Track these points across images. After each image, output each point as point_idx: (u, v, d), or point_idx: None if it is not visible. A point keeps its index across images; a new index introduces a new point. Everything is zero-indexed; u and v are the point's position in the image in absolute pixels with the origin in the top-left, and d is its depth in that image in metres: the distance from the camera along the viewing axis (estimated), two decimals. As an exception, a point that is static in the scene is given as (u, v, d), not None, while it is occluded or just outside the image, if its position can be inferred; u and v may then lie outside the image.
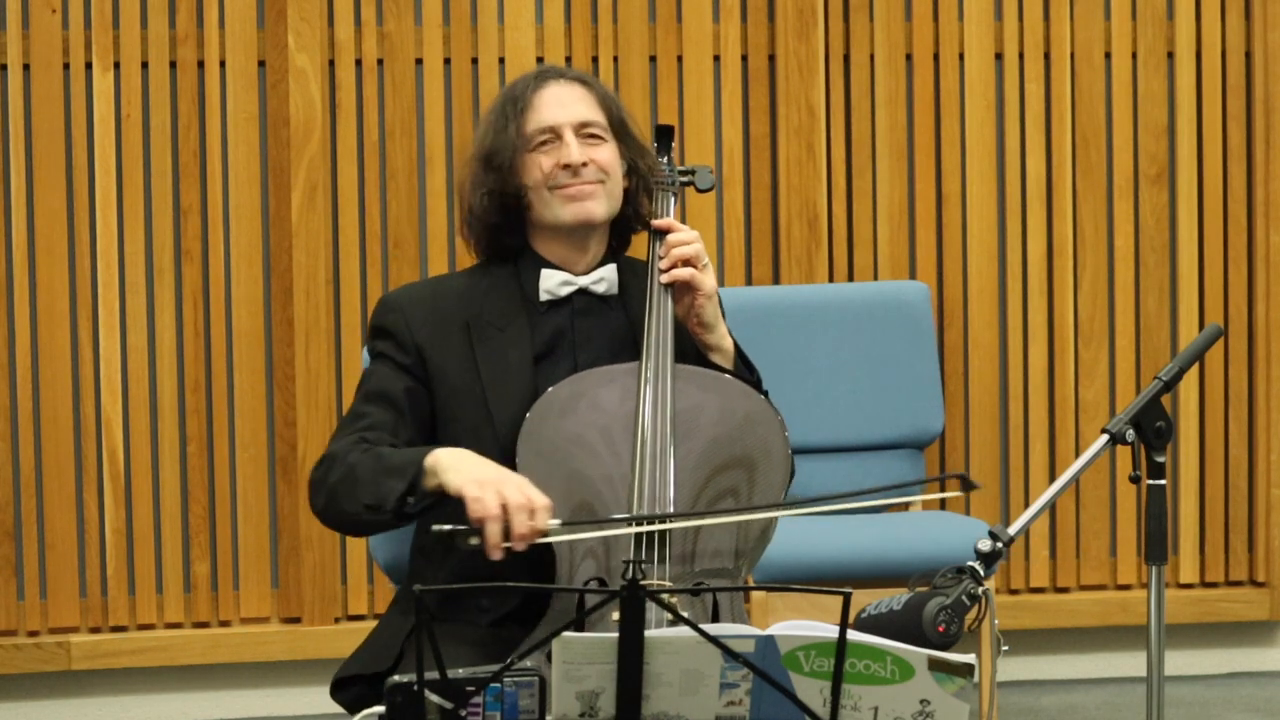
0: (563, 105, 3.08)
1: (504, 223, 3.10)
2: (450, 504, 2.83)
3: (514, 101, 3.09)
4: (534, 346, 3.06)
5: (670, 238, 3.08)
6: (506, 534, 2.76)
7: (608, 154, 3.08)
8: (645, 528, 2.85)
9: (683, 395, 2.98)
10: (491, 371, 3.03)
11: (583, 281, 3.09)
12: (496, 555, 2.77)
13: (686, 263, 3.06)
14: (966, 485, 2.82)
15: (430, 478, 2.85)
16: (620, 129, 3.11)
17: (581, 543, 2.86)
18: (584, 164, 3.04)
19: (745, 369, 3.11)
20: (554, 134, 3.06)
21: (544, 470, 2.90)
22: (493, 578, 2.91)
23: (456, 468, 2.83)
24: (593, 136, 3.07)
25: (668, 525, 2.86)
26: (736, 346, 3.11)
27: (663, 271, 3.06)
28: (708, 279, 3.06)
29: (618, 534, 2.85)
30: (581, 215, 3.06)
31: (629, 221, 3.15)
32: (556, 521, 2.80)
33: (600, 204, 3.07)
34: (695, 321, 3.07)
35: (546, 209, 3.07)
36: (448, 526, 2.78)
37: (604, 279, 3.10)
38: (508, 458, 2.93)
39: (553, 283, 3.08)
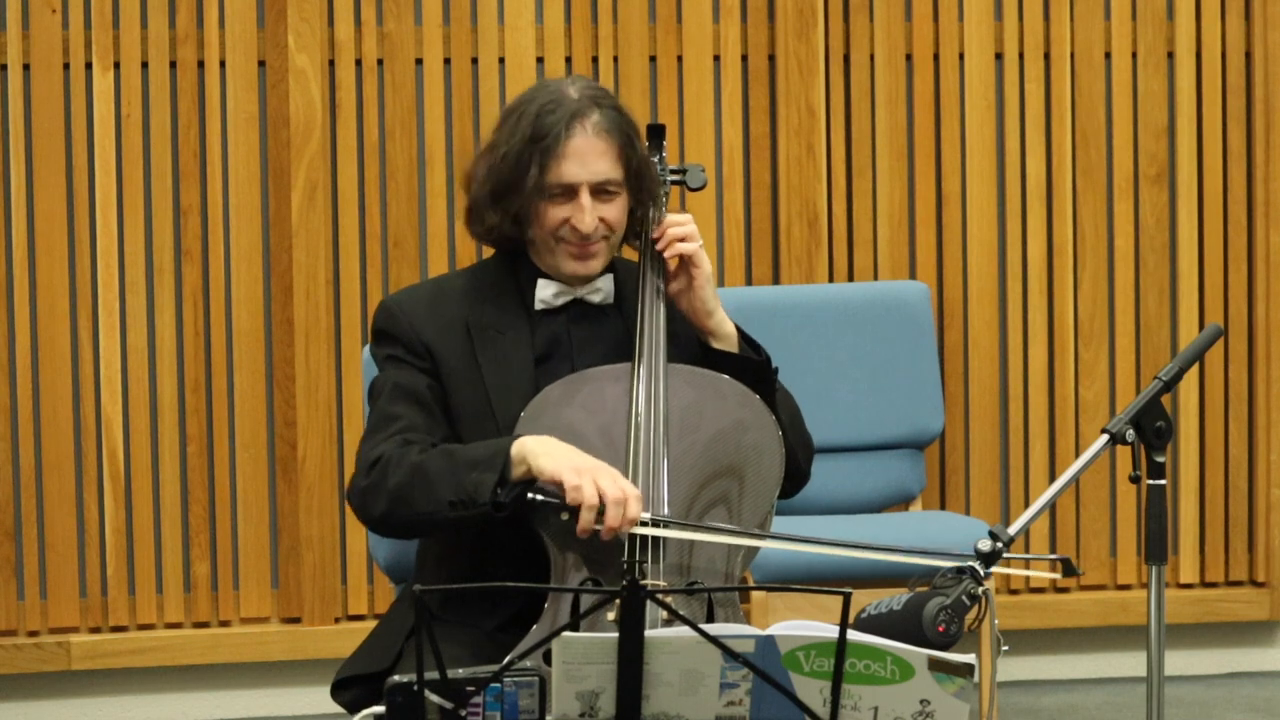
0: (584, 163, 3.03)
1: (502, 240, 3.12)
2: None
3: (539, 143, 3.02)
4: (534, 349, 3.07)
5: (665, 219, 3.09)
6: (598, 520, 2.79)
7: (618, 210, 3.06)
8: (729, 539, 2.86)
9: (676, 395, 2.98)
10: (494, 373, 3.03)
11: (579, 292, 3.09)
12: (584, 535, 2.80)
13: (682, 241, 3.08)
14: (1068, 570, 2.75)
15: (518, 466, 2.85)
16: (636, 176, 3.08)
17: (575, 544, 2.86)
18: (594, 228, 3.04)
19: (751, 350, 3.11)
20: (571, 191, 3.04)
21: None
22: (493, 579, 2.92)
23: (550, 454, 2.83)
24: (607, 193, 3.05)
25: (740, 540, 2.88)
26: (739, 329, 3.11)
27: (660, 247, 3.07)
28: (705, 258, 3.07)
29: (703, 539, 2.86)
30: (581, 272, 3.07)
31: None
32: (647, 515, 2.83)
33: (601, 261, 3.07)
34: (698, 306, 3.07)
35: (549, 254, 3.07)
36: (542, 498, 2.80)
37: (600, 290, 3.10)
38: None
39: (548, 293, 3.09)
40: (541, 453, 2.84)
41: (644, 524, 2.81)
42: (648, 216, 3.14)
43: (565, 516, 2.80)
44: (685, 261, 3.07)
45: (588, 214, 3.02)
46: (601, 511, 2.79)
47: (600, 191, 3.04)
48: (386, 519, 2.94)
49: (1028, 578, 5.16)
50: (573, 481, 2.79)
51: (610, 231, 3.06)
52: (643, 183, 3.09)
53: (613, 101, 3.09)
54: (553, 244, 3.05)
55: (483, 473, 2.84)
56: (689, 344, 3.11)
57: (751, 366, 3.07)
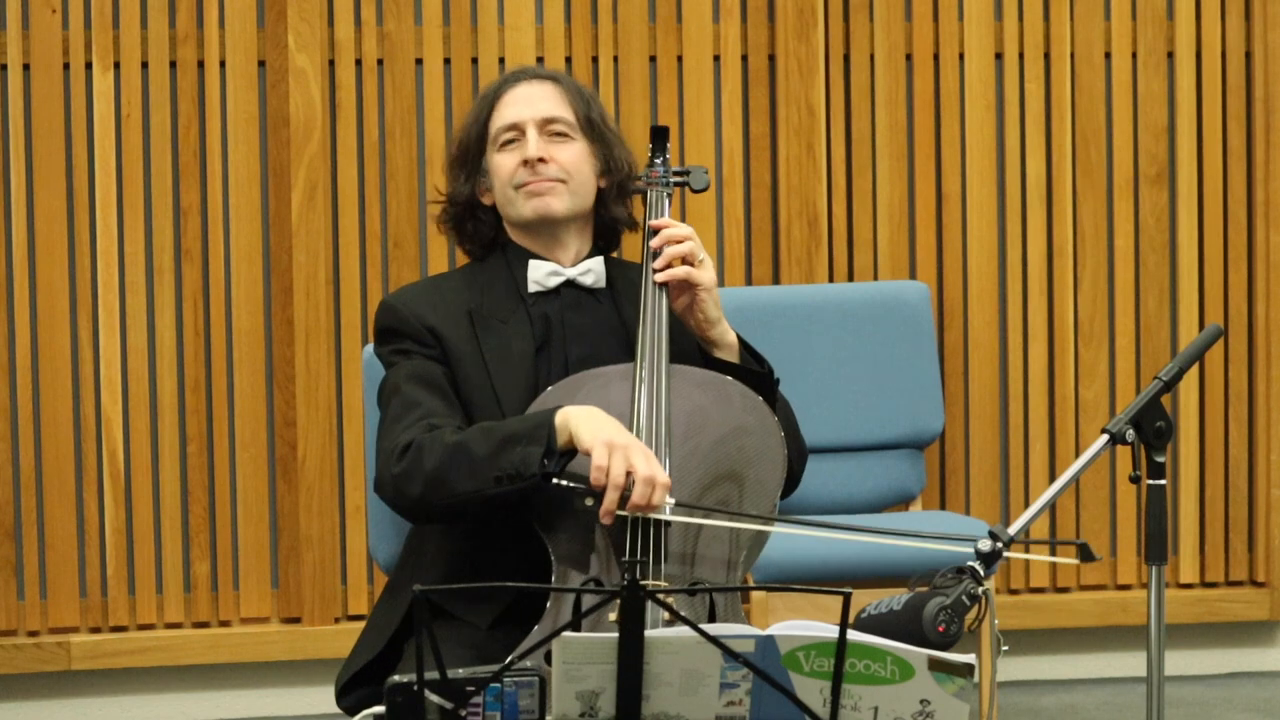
0: (529, 103, 3.11)
1: (475, 229, 3.16)
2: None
3: (484, 100, 3.15)
4: (534, 338, 3.07)
5: (665, 233, 3.08)
6: (623, 501, 2.76)
7: (572, 152, 3.10)
8: (756, 526, 2.84)
9: (682, 396, 2.98)
10: (497, 361, 3.04)
11: (570, 273, 3.11)
12: (608, 521, 2.77)
13: (683, 260, 3.06)
14: (1085, 555, 2.72)
15: (561, 434, 2.82)
16: (591, 127, 3.12)
17: (576, 543, 2.86)
18: (540, 159, 3.07)
19: (753, 360, 3.10)
20: (518, 131, 3.10)
21: None
22: (490, 576, 2.92)
23: (590, 422, 2.81)
24: (558, 134, 3.10)
25: (776, 528, 2.87)
26: (741, 339, 3.11)
27: (658, 271, 3.06)
28: (706, 273, 3.06)
29: (729, 526, 2.84)
30: (540, 210, 3.08)
31: (614, 223, 3.16)
32: (672, 502, 2.80)
33: (560, 200, 3.09)
34: (700, 318, 3.06)
35: (511, 206, 3.11)
36: (565, 483, 2.78)
37: (591, 270, 3.12)
38: None
39: (540, 273, 3.11)
40: (583, 420, 2.81)
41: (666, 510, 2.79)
42: (650, 199, 3.15)
43: (589, 503, 2.77)
44: (685, 280, 3.06)
45: (533, 143, 3.07)
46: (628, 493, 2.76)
47: (550, 132, 3.09)
48: (423, 502, 2.90)
49: (1028, 575, 5.16)
50: (600, 458, 2.76)
51: (566, 174, 3.08)
52: (603, 134, 3.13)
53: (572, 80, 3.17)
54: (512, 194, 3.10)
55: (527, 446, 2.81)
56: (692, 340, 3.11)
57: (752, 378, 3.06)
